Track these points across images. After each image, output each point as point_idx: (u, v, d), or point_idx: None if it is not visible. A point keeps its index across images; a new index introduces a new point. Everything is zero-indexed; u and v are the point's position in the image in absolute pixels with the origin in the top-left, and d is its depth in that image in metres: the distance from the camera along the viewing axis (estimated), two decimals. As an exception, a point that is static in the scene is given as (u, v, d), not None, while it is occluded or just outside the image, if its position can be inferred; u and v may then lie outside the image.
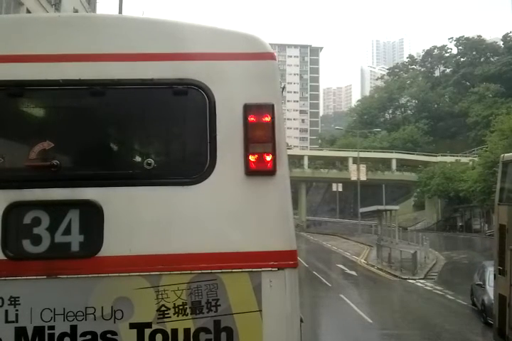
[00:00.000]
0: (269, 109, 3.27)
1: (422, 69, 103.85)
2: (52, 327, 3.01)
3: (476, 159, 54.89)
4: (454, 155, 67.70)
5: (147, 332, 3.05)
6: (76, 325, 3.02)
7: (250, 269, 3.15)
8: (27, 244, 3.10)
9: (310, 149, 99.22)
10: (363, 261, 31.22)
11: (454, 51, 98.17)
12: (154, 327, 3.06)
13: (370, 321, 14.62)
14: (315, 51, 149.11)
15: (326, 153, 78.32)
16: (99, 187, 3.17)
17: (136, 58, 3.26)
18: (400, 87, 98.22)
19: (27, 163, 3.17)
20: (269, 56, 3.43)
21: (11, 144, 3.38)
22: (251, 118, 3.25)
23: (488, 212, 51.67)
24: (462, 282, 20.25)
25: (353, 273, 25.65)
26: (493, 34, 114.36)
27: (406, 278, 23.40)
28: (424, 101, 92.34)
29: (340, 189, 72.91)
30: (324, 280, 22.60)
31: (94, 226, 3.13)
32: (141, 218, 3.15)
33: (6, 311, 3.00)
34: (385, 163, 70.00)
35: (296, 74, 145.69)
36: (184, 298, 3.09)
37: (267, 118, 3.26)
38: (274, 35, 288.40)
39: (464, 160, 62.39)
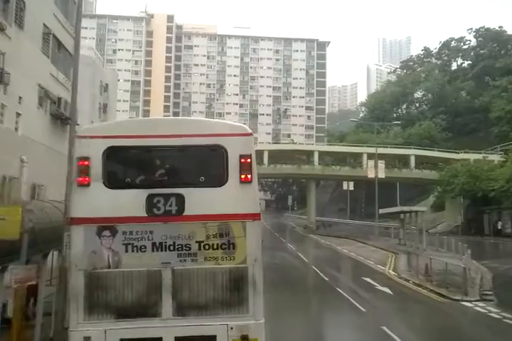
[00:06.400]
0: (250, 156, 7.83)
1: (439, 62, 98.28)
2: (165, 242, 7.56)
3: (504, 156, 49.66)
4: (477, 152, 62.41)
5: (202, 244, 7.61)
6: (175, 241, 7.57)
7: (242, 220, 7.72)
8: (155, 210, 7.61)
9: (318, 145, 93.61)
10: (392, 272, 25.92)
11: (473, 43, 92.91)
12: (205, 242, 7.61)
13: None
14: (322, 46, 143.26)
15: (338, 148, 72.21)
16: (184, 188, 7.73)
17: (196, 136, 7.83)
18: (414, 80, 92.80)
19: (155, 178, 7.96)
20: (250, 134, 8.05)
21: (149, 172, 8.12)
22: (242, 160, 7.77)
23: (522, 215, 46.40)
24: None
25: (387, 290, 20.33)
26: None
27: (458, 300, 18.08)
28: (440, 95, 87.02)
29: (351, 187, 68.45)
30: (354, 302, 17.34)
31: (181, 203, 7.66)
32: (199, 200, 7.68)
33: (148, 236, 7.54)
34: (402, 160, 64.72)
35: (303, 70, 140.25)
36: (216, 231, 7.65)
37: (249, 160, 7.81)
38: (280, 29, 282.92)
39: (490, 157, 56.99)
